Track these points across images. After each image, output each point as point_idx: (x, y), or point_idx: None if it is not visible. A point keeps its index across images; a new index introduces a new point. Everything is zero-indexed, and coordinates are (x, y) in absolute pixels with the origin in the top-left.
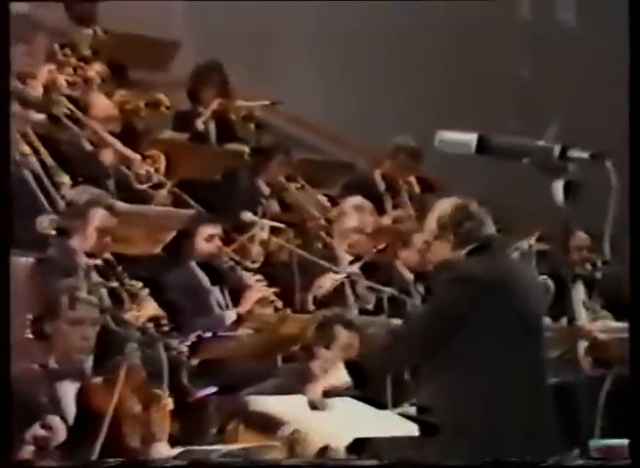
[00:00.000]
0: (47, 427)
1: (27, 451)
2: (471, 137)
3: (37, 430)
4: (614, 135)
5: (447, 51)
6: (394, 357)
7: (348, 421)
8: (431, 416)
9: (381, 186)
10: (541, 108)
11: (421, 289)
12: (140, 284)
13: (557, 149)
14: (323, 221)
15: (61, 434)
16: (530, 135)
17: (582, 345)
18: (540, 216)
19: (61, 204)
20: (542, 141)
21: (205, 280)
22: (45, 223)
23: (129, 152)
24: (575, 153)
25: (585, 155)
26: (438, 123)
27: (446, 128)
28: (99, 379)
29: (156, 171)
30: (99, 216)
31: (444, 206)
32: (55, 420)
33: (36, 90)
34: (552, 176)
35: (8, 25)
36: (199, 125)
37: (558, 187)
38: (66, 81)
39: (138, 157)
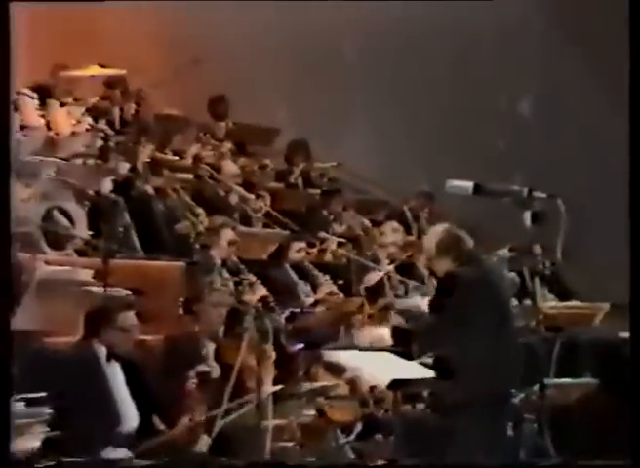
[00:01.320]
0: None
1: (191, 384)
2: (469, 184)
3: (199, 368)
4: (563, 182)
5: (449, 130)
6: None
7: (388, 368)
8: (447, 363)
9: (409, 216)
10: (511, 167)
11: (433, 280)
12: (255, 277)
13: (525, 191)
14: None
15: (215, 373)
16: (504, 182)
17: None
18: (511, 235)
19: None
20: (515, 186)
21: (294, 276)
22: (192, 232)
23: (247, 195)
24: (537, 194)
25: (544, 195)
26: (444, 175)
27: (450, 178)
28: (229, 341)
29: (265, 206)
30: (227, 234)
31: (438, 228)
32: (211, 363)
33: (187, 160)
34: (523, 209)
35: (8, 25)
36: (292, 178)
37: (527, 216)
38: (207, 155)
39: (253, 197)
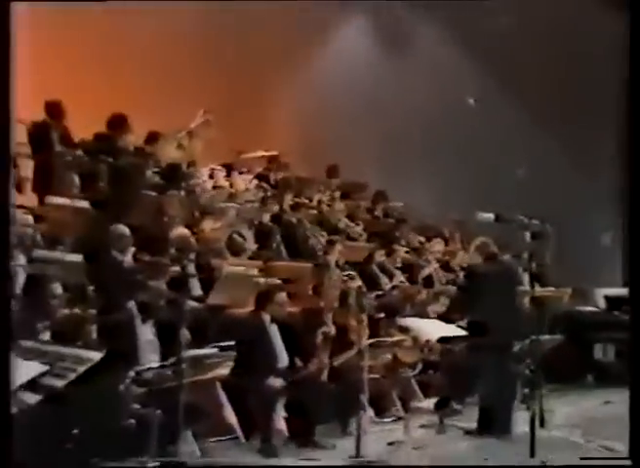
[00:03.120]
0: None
1: (319, 338)
2: (492, 215)
3: (323, 329)
4: (550, 215)
5: (475, 182)
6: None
7: (437, 329)
8: (478, 325)
9: (447, 235)
10: (517, 205)
11: (461, 274)
12: (354, 273)
13: (526, 219)
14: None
15: (333, 331)
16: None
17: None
18: (516, 246)
19: (322, 242)
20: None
21: (379, 272)
22: (317, 245)
23: (350, 223)
24: (533, 220)
25: (537, 221)
26: (474, 209)
27: (479, 211)
28: (340, 312)
29: (360, 229)
30: (338, 246)
31: (478, 240)
32: (330, 325)
33: (314, 203)
34: (524, 230)
35: (8, 25)
36: (376, 213)
37: (527, 235)
38: (325, 199)
39: (353, 224)
